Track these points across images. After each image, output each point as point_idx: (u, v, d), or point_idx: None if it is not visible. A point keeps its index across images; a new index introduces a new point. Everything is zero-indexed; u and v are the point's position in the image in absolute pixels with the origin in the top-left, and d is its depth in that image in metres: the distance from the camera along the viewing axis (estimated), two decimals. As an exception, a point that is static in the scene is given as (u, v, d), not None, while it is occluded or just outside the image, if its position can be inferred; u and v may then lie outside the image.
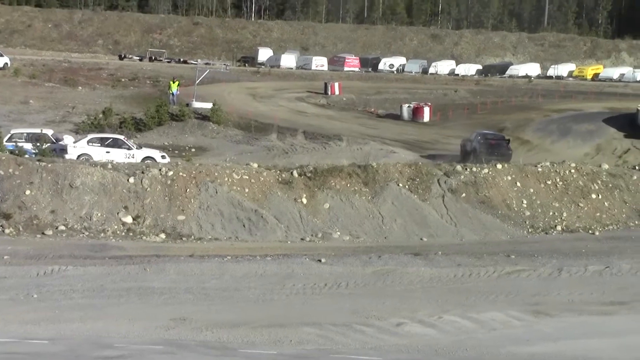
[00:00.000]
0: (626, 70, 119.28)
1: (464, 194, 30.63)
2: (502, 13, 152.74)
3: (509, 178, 31.77)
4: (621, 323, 19.78)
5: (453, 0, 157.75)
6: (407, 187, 30.35)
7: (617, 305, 21.10)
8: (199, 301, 20.34)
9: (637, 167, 35.30)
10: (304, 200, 28.84)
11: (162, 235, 26.77)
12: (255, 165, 30.66)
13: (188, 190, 28.26)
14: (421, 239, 28.35)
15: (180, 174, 28.75)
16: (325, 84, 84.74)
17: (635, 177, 33.79)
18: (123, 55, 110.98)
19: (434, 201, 30.23)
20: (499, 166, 32.37)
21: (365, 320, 18.97)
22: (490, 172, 31.73)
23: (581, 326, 19.43)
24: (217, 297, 20.77)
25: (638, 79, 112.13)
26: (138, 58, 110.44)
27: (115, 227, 27.02)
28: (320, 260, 23.92)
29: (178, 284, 21.61)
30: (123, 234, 26.70)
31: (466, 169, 31.84)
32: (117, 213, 27.50)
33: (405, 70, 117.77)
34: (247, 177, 29.21)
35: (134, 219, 27.26)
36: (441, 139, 57.57)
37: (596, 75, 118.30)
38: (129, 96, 70.82)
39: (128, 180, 28.29)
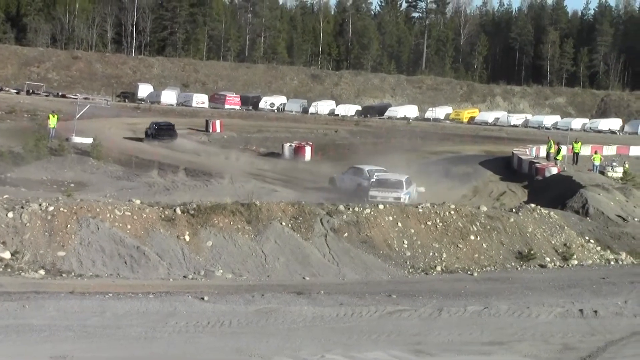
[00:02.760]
0: (501, 115, 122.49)
1: (346, 234, 30.85)
2: (381, 55, 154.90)
3: (391, 218, 32.12)
4: (499, 363, 20.17)
5: (333, 41, 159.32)
6: (290, 225, 30.43)
7: (495, 345, 21.42)
8: (80, 339, 19.96)
9: (513, 210, 36.09)
10: (187, 238, 28.66)
11: (42, 272, 26.21)
12: (138, 201, 30.37)
13: (69, 226, 27.78)
14: (304, 278, 28.41)
15: (61, 209, 28.26)
16: (207, 121, 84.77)
17: (512, 220, 34.54)
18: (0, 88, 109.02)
19: (317, 240, 30.35)
20: (381, 206, 32.72)
21: (248, 359, 18.90)
22: (372, 212, 32.05)
23: (461, 366, 19.73)
24: (98, 335, 20.42)
25: (512, 123, 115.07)
26: (15, 91, 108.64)
27: (-7, 262, 26.36)
28: (203, 298, 23.74)
29: (58, 322, 21.17)
30: (0, 269, 26.04)
31: (349, 209, 32.11)
32: (-5, 248, 26.86)
33: (285, 109, 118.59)
34: (130, 214, 28.89)
35: (12, 255, 26.62)
36: (322, 178, 57.80)
37: (472, 118, 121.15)
38: (5, 129, 69.52)
39: (7, 214, 27.67)
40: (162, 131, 74.64)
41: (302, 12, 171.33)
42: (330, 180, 52.40)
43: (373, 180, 46.84)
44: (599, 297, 26.75)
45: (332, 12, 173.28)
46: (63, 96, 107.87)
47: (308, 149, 68.70)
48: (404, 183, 46.22)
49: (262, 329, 21.76)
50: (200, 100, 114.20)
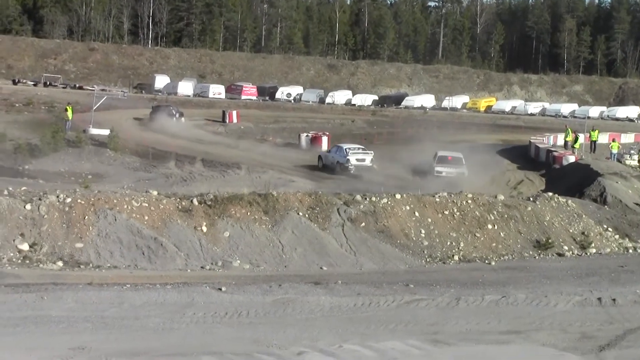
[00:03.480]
0: (518, 103, 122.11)
1: (363, 224, 30.84)
2: (397, 45, 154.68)
3: (408, 208, 32.10)
4: (517, 352, 20.10)
5: (349, 31, 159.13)
6: (307, 216, 30.44)
7: (513, 334, 21.39)
8: (98, 330, 20.04)
9: (530, 199, 36.01)
10: (204, 229, 28.70)
11: (60, 263, 26.31)
12: (155, 192, 30.42)
13: (86, 217, 27.86)
14: (321, 268, 28.43)
15: (79, 200, 28.34)
16: (224, 112, 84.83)
17: (529, 208, 34.46)
18: (17, 80, 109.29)
19: (334, 230, 30.35)
20: (398, 196, 32.68)
21: (266, 349, 18.90)
22: (389, 202, 32.02)
23: (478, 355, 19.67)
24: (116, 326, 20.49)
25: (529, 112, 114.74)
26: (32, 83, 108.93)
27: (11, 254, 26.45)
28: (220, 289, 23.78)
29: (76, 313, 21.25)
30: (19, 261, 26.15)
31: (365, 199, 32.09)
32: (13, 240, 26.92)
33: (302, 99, 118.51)
34: (147, 205, 28.95)
35: (30, 247, 26.72)
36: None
37: (489, 107, 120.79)
38: (23, 122, 69.74)
39: (24, 206, 27.76)
40: (159, 112, 78.78)
41: (318, 2, 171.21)
42: (318, 157, 58.99)
43: (436, 158, 54.96)
44: (617, 286, 26.68)
45: (348, 2, 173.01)
46: (80, 88, 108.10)
47: (325, 139, 68.68)
48: (463, 159, 54.87)
49: (279, 320, 21.79)
50: (216, 91, 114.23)
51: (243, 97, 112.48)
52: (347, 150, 56.30)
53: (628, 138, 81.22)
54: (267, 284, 24.85)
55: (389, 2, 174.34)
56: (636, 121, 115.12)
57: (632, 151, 66.35)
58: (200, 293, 23.32)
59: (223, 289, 23.83)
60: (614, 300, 24.63)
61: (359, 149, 57.33)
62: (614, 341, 20.82)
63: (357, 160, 55.19)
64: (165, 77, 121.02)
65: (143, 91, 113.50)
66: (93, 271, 26.04)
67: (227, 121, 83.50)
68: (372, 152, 56.78)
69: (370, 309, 23.12)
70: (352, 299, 23.71)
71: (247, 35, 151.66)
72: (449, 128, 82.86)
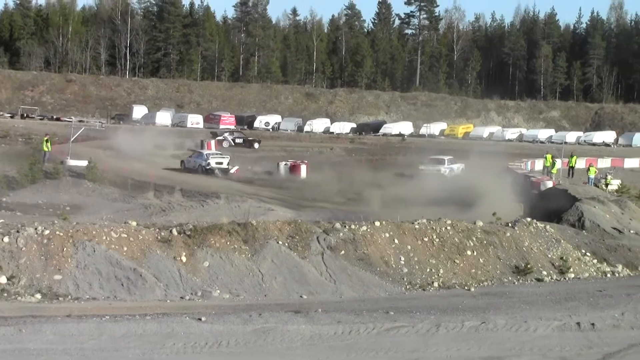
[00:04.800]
0: (495, 129, 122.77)
1: (342, 251, 30.84)
2: (375, 72, 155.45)
3: (387, 235, 32.14)
4: (498, 377, 20.20)
5: (327, 59, 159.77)
6: (286, 244, 30.41)
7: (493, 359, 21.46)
8: (78, 362, 19.96)
9: (509, 224, 36.12)
10: (184, 259, 28.61)
11: (38, 296, 26.16)
12: (134, 223, 30.34)
13: (65, 249, 27.73)
14: (301, 297, 28.40)
15: (57, 232, 28.22)
16: (202, 141, 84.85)
17: (508, 234, 34.58)
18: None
19: (314, 258, 30.33)
20: (377, 223, 32.72)
21: (247, 379, 18.91)
22: (368, 230, 32.06)
23: (459, 381, 19.75)
24: (96, 358, 20.40)
25: (507, 138, 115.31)
26: (9, 115, 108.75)
27: (-11, 287, 26.31)
28: (200, 319, 23.70)
29: (55, 345, 21.13)
30: (-3, 294, 26.01)
31: (345, 226, 32.11)
32: (-9, 273, 26.79)
33: (280, 128, 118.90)
34: (126, 236, 28.86)
35: (8, 279, 26.54)
36: (318, 196, 58.01)
37: (467, 133, 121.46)
38: (0, 154, 69.46)
39: (2, 239, 27.61)
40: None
41: (295, 31, 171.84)
42: (181, 162, 70.05)
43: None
44: (596, 310, 26.76)
45: (325, 30, 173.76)
46: (58, 119, 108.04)
47: (304, 168, 68.79)
48: (446, 160, 72.15)
49: (260, 349, 21.75)
50: (195, 120, 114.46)
51: (221, 126, 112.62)
52: (207, 155, 69.63)
53: (605, 163, 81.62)
54: (247, 313, 24.78)
55: (366, 30, 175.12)
56: (612, 146, 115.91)
57: (609, 175, 66.62)
58: (180, 323, 23.24)
59: (203, 319, 23.75)
60: (593, 324, 24.71)
61: (217, 154, 70.92)
62: (593, 366, 20.92)
63: (216, 163, 68.13)
64: (143, 108, 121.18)
65: (121, 122, 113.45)
66: (72, 303, 25.90)
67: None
68: (229, 156, 70.42)
69: (351, 337, 23.09)
70: (333, 327, 23.67)
71: (225, 65, 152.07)
72: (427, 155, 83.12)
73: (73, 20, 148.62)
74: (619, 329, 24.65)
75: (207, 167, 67.25)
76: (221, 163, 68.43)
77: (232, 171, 68.46)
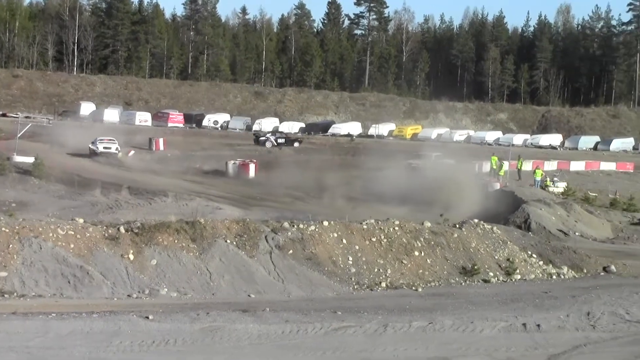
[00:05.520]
0: (443, 131, 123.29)
1: (291, 251, 30.84)
2: (324, 72, 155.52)
3: (335, 235, 32.19)
4: (444, 377, 20.32)
5: (276, 58, 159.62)
6: (234, 243, 30.36)
7: (440, 360, 21.61)
8: (23, 360, 19.78)
9: (457, 225, 36.34)
10: (131, 257, 28.46)
11: (-17, 293, 25.92)
12: (81, 220, 30.14)
13: (11, 246, 27.47)
14: (249, 296, 28.37)
15: (3, 229, 27.95)
16: (150, 139, 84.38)
17: (455, 235, 34.77)
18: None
19: (262, 257, 30.30)
20: (326, 223, 32.77)
21: (194, 378, 18.84)
22: (317, 229, 32.09)
23: (406, 381, 19.84)
24: (41, 356, 20.23)
25: (455, 140, 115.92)
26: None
27: None
28: (147, 317, 23.59)
29: (0, 343, 20.93)
30: (-59, 291, 25.70)
31: (293, 226, 32.12)
32: None
33: (229, 127, 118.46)
34: (73, 233, 28.65)
35: (-47, 276, 26.29)
36: (266, 195, 58.01)
37: (415, 135, 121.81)
38: (-54, 150, 68.62)
39: (-53, 235, 27.33)
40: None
41: (244, 30, 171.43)
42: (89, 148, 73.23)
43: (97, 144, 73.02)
44: (542, 311, 26.99)
45: (275, 30, 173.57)
46: (4, 115, 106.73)
47: (252, 167, 68.70)
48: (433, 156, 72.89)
49: (207, 348, 21.70)
50: (143, 118, 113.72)
51: (170, 124, 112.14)
52: (97, 140, 74.12)
53: (551, 165, 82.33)
54: (194, 311, 24.71)
55: (315, 30, 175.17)
56: (559, 149, 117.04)
57: (555, 178, 67.30)
58: (127, 322, 23.11)
59: (150, 317, 23.64)
60: (538, 325, 24.94)
61: (107, 139, 74.71)
62: (538, 366, 21.11)
63: (104, 147, 73.02)
64: (90, 104, 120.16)
65: (68, 118, 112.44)
66: (17, 300, 25.65)
67: (154, 149, 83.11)
68: (116, 141, 74.80)
69: (299, 336, 23.11)
70: (280, 327, 23.67)
71: (174, 63, 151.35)
72: (375, 155, 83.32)
73: (20, 15, 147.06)
74: (563, 331, 24.89)
75: (96, 151, 72.78)
76: (109, 148, 73.56)
77: (119, 155, 73.48)
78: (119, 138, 79.24)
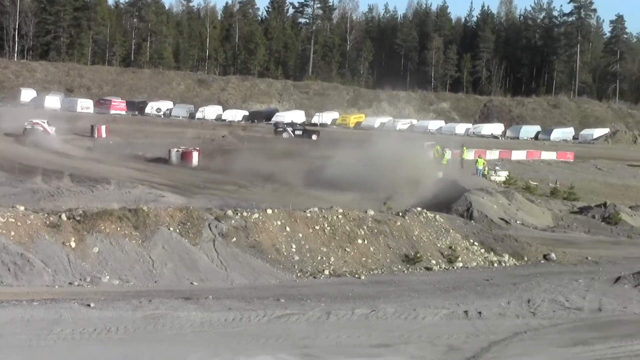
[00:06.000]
0: (387, 120, 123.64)
1: (234, 239, 30.78)
2: (268, 61, 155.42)
3: (279, 223, 32.17)
4: (386, 365, 20.41)
5: (220, 46, 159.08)
6: (177, 231, 30.22)
7: (382, 347, 21.64)
8: (-38, 348, 19.55)
9: (400, 214, 36.48)
10: (73, 244, 28.22)
11: None
12: (22, 208, 29.81)
13: (-50, 233, 27.16)
14: (192, 283, 28.28)
15: (-58, 216, 27.63)
16: (92, 126, 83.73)
17: (398, 223, 34.90)
18: None
19: (205, 245, 30.20)
20: (269, 211, 32.74)
21: (136, 366, 18.74)
22: (260, 217, 32.04)
23: (349, 368, 19.90)
24: (-19, 344, 20.02)
25: (398, 128, 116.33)
26: None
27: None
28: (89, 305, 23.41)
29: (-61, 332, 20.70)
30: None
31: (237, 214, 32.04)
32: None
33: (172, 114, 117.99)
34: (13, 220, 28.34)
35: None
36: (210, 183, 57.86)
37: (358, 123, 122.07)
38: None
39: None
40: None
41: (188, 17, 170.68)
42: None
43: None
44: (483, 299, 27.22)
45: (219, 17, 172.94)
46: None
47: (195, 155, 68.42)
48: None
49: (149, 335, 21.59)
50: (84, 105, 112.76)
51: (112, 111, 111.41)
52: (29, 120, 78.30)
53: (493, 155, 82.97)
54: (137, 299, 24.58)
55: (259, 18, 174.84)
56: (500, 138, 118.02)
57: (497, 167, 67.84)
58: (68, 309, 22.92)
59: (92, 305, 23.47)
60: (479, 313, 25.13)
61: (36, 122, 78.62)
62: (479, 353, 21.24)
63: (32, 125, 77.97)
64: (31, 91, 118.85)
65: (8, 105, 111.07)
66: (-44, 288, 25.38)
67: (96, 136, 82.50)
68: (46, 120, 79.73)
69: (241, 324, 23.08)
70: (223, 314, 23.63)
71: (117, 50, 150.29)
72: (318, 144, 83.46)
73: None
74: (504, 318, 25.11)
75: (26, 128, 77.50)
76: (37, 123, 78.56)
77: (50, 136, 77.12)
78: (61, 125, 78.61)
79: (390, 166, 57.40)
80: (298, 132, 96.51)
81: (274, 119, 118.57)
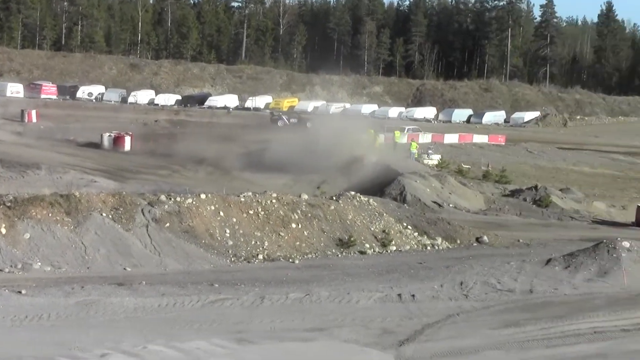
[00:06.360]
0: (320, 104, 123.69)
1: (167, 224, 30.64)
2: (201, 45, 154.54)
3: (213, 208, 32.08)
4: (320, 348, 20.42)
5: (152, 30, 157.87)
6: (110, 216, 30.00)
7: (316, 331, 21.71)
8: None
9: (333, 198, 36.56)
10: (3, 231, 27.88)
11: None
12: (-49, 194, 29.42)
13: None
14: (125, 269, 28.12)
15: None
16: (22, 111, 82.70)
17: (332, 207, 34.98)
18: None
19: (138, 231, 30.03)
20: (203, 196, 32.63)
21: (68, 352, 18.55)
22: (194, 202, 31.92)
23: (283, 352, 19.90)
24: None
25: (331, 112, 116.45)
26: None
27: None
28: (20, 292, 23.21)
29: None
30: None
31: (170, 199, 31.88)
32: None
33: (104, 99, 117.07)
34: (-58, 207, 27.98)
35: None
36: (143, 168, 57.49)
37: (292, 107, 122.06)
38: None
39: None
40: None
41: (120, 1, 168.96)
42: None
43: None
44: (416, 282, 27.43)
45: (151, 1, 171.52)
46: None
47: (128, 139, 67.91)
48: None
49: (82, 322, 21.45)
50: (14, 89, 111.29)
51: (42, 96, 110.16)
52: None
53: (426, 138, 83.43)
54: (69, 285, 24.40)
55: (192, 2, 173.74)
56: (433, 122, 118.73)
57: (430, 151, 68.29)
58: (-1, 297, 22.68)
59: (23, 291, 23.27)
60: (413, 296, 25.30)
61: None
62: (412, 336, 21.39)
63: None
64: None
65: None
66: None
67: (26, 121, 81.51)
68: None
69: (175, 309, 23.02)
70: (157, 300, 23.55)
71: (47, 33, 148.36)
72: (252, 128, 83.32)
73: None
74: (437, 300, 25.32)
75: None
76: None
77: None
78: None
79: (325, 150, 57.50)
80: (293, 120, 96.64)
81: (207, 102, 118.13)
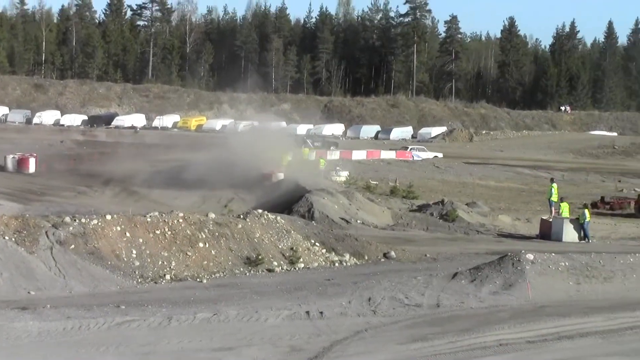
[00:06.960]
0: (228, 122, 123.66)
1: (72, 246, 30.22)
2: (107, 64, 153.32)
3: (119, 228, 31.75)
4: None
5: (57, 50, 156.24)
6: (13, 239, 29.48)
7: (225, 350, 21.62)
8: None
9: (241, 216, 36.48)
10: None
11: None
12: None
13: None
14: (29, 293, 27.63)
15: None
16: None
17: (240, 226, 34.88)
18: None
19: (42, 253, 29.56)
20: (109, 217, 32.27)
21: (-30, 380, 18.21)
22: (99, 223, 31.55)
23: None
24: None
25: (240, 130, 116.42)
26: None
27: None
28: None
29: None
30: None
31: (75, 220, 31.47)
32: None
33: (8, 120, 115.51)
34: None
35: None
36: (48, 190, 56.76)
37: (200, 126, 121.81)
38: None
39: None
40: None
41: (23, 20, 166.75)
42: None
43: None
44: (325, 299, 27.43)
45: (55, 20, 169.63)
46: None
47: (32, 161, 66.99)
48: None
49: (-17, 348, 21.02)
50: None
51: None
52: None
53: (334, 155, 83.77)
54: (-29, 311, 23.91)
55: (97, 21, 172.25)
56: (341, 138, 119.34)
57: (337, 167, 68.56)
58: None
59: None
60: (321, 313, 25.32)
61: None
62: (321, 353, 21.41)
63: None
64: None
65: None
66: None
67: None
68: None
69: (81, 332, 22.70)
70: (62, 323, 23.18)
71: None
72: (160, 147, 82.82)
73: None
74: (346, 317, 25.37)
75: None
76: None
77: None
78: None
79: (233, 168, 57.41)
80: (317, 144, 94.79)
81: (114, 122, 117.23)
